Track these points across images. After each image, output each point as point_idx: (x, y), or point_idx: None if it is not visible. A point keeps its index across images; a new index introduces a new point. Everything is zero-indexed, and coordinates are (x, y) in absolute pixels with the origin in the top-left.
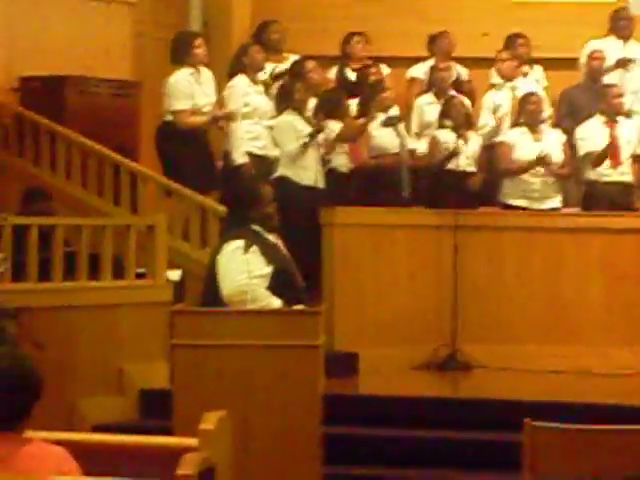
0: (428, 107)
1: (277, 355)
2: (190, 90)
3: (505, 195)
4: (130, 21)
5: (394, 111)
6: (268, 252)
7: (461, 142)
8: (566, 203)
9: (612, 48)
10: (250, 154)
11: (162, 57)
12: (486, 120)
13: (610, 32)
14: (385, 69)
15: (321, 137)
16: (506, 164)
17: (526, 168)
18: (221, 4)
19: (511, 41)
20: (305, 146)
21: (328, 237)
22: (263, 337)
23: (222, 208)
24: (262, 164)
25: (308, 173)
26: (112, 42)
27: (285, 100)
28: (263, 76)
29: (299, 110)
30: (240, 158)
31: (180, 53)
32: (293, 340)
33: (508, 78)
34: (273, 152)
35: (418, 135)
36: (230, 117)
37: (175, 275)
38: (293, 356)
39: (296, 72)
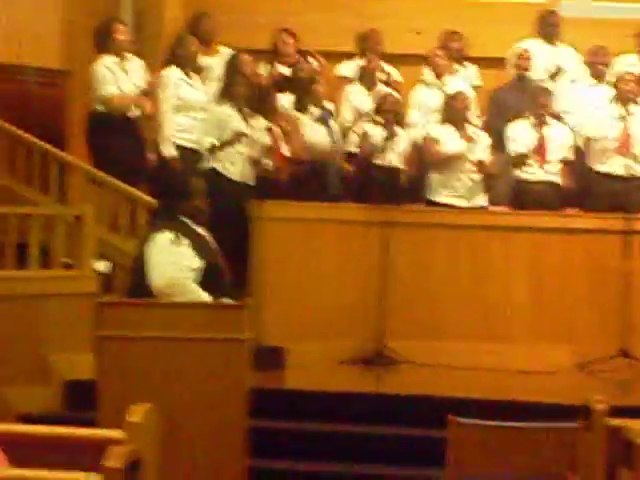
0: (358, 96)
1: (203, 348)
2: (114, 76)
3: (432, 192)
4: (61, 8)
5: (327, 106)
6: (198, 246)
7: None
8: (495, 201)
9: (540, 50)
10: (180, 147)
11: (92, 46)
12: (414, 117)
13: (537, 34)
14: (315, 63)
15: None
16: (430, 156)
17: (449, 158)
18: None
19: (446, 38)
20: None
21: (257, 231)
22: (189, 330)
23: (151, 199)
24: (192, 157)
25: (236, 167)
26: (42, 29)
27: (225, 94)
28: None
29: (238, 105)
30: (168, 150)
31: (102, 41)
32: (219, 334)
33: (440, 75)
34: (204, 145)
35: (348, 127)
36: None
37: (102, 266)
38: (219, 350)
39: (233, 65)
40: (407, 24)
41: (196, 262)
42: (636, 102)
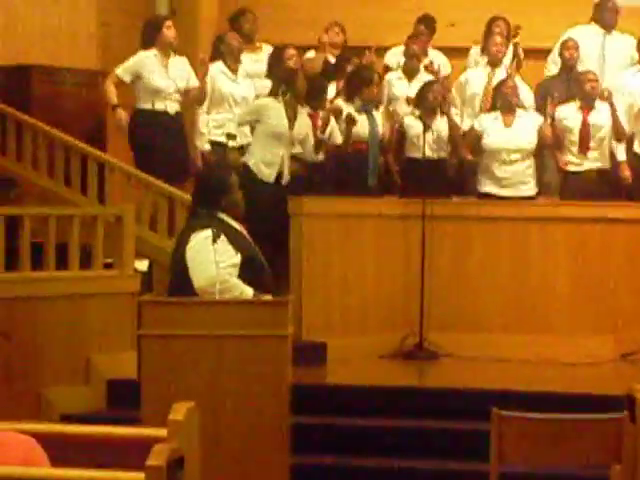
0: (397, 82)
1: (245, 345)
2: (140, 66)
3: (478, 182)
4: (96, 10)
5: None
6: (236, 240)
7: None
8: (543, 191)
9: (592, 37)
10: (214, 142)
11: (129, 46)
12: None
13: (593, 21)
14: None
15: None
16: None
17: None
18: None
19: (491, 25)
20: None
21: (296, 227)
22: (231, 327)
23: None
24: (226, 152)
25: (271, 169)
26: (78, 31)
27: (280, 90)
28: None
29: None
30: (202, 146)
31: (149, 36)
32: (261, 330)
33: (494, 63)
34: (243, 140)
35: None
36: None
37: (143, 265)
38: (261, 346)
39: (281, 60)
40: (442, 17)
41: (235, 257)
42: None
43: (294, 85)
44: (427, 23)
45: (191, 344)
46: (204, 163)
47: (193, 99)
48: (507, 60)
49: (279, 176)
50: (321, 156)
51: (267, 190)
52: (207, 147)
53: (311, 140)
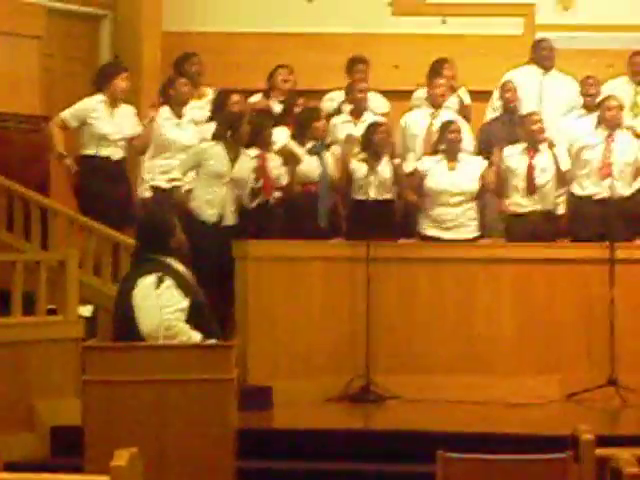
0: (342, 125)
1: (190, 390)
2: (86, 111)
3: (420, 225)
4: (38, 55)
5: (325, 140)
6: (183, 285)
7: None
8: (486, 233)
9: (531, 77)
10: (159, 188)
11: (71, 91)
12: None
13: (531, 61)
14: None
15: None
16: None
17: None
18: (131, 37)
19: (437, 67)
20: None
21: (241, 270)
22: (175, 372)
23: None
24: (169, 197)
25: (213, 210)
26: (20, 76)
27: (227, 132)
28: None
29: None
30: (142, 192)
31: (101, 81)
32: (206, 374)
33: (437, 105)
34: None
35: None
36: None
37: (87, 311)
38: (206, 391)
39: (220, 105)
40: (386, 60)
41: (183, 302)
42: (620, 127)
43: (238, 129)
44: (362, 62)
45: (136, 389)
46: (145, 208)
47: (136, 146)
48: (452, 103)
49: (221, 218)
50: (254, 204)
51: (210, 232)
52: (147, 194)
53: (248, 186)
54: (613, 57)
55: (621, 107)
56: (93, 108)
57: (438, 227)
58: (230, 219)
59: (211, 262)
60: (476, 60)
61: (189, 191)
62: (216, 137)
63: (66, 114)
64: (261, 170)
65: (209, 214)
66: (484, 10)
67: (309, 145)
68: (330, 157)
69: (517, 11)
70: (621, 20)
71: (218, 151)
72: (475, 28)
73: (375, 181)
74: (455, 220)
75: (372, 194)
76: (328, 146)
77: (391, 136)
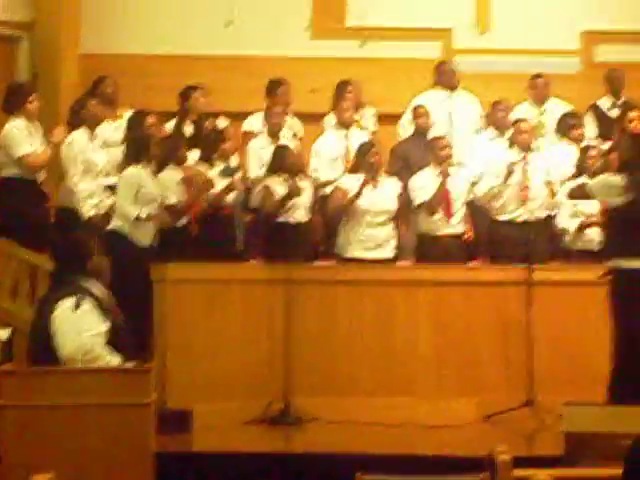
0: (262, 151)
1: (108, 414)
2: (29, 137)
3: (340, 247)
4: None
5: (233, 162)
6: (102, 307)
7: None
8: (401, 255)
9: (438, 100)
10: (66, 209)
11: None
12: (316, 165)
13: (436, 85)
14: (223, 121)
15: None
16: (339, 206)
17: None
18: (49, 59)
19: (342, 89)
20: (148, 218)
21: (159, 293)
22: (93, 396)
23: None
24: (91, 220)
25: (142, 231)
26: None
27: (138, 154)
28: None
29: (149, 165)
30: (88, 212)
31: (13, 104)
32: (124, 399)
33: (347, 125)
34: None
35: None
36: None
37: (4, 334)
38: (124, 415)
39: (136, 126)
40: (304, 83)
41: (102, 325)
42: (531, 149)
43: (148, 151)
44: (280, 85)
45: (53, 414)
46: (62, 229)
47: (28, 163)
48: (370, 124)
49: (150, 239)
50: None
51: (137, 253)
52: (92, 212)
53: (163, 204)
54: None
55: (532, 130)
56: (14, 131)
57: (360, 247)
58: (154, 240)
59: (134, 284)
60: (394, 83)
61: (108, 213)
62: (127, 159)
63: (24, 149)
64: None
65: (136, 237)
66: (402, 34)
67: (220, 168)
68: (240, 179)
69: (435, 35)
70: (537, 44)
71: (145, 174)
72: (393, 52)
73: (294, 202)
74: (376, 240)
75: (292, 216)
76: (238, 168)
77: (303, 158)
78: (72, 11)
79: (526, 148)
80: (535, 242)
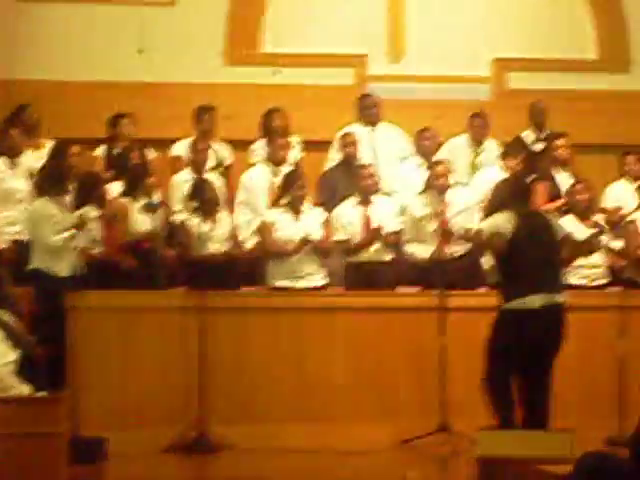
0: (186, 184)
1: (18, 444)
2: None
3: (268, 274)
4: None
5: (157, 196)
6: (11, 336)
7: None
8: (331, 281)
9: (362, 133)
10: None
11: None
12: (242, 197)
13: (358, 119)
14: (152, 153)
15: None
16: (269, 245)
17: (293, 251)
18: None
19: (269, 118)
20: (70, 239)
21: (72, 321)
22: (3, 426)
23: None
24: (20, 249)
25: (64, 263)
26: None
27: (51, 185)
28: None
29: (58, 197)
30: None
31: None
32: (34, 428)
33: (279, 163)
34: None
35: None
36: None
37: None
38: (35, 445)
39: (58, 156)
40: (220, 110)
41: (12, 354)
42: (449, 186)
43: (63, 184)
44: (209, 112)
45: None
46: None
47: None
48: (296, 152)
49: (70, 269)
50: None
51: (57, 284)
52: (9, 242)
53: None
54: (442, 108)
55: (449, 170)
56: None
57: (286, 276)
58: (73, 270)
59: (50, 314)
60: (309, 110)
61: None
62: (37, 190)
63: None
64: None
65: (56, 269)
66: (316, 61)
67: (143, 202)
68: (163, 212)
69: (349, 62)
70: (450, 71)
71: (52, 206)
72: (307, 78)
73: (214, 234)
74: (303, 269)
75: (212, 246)
76: (162, 203)
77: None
78: None
79: (442, 191)
80: (456, 273)
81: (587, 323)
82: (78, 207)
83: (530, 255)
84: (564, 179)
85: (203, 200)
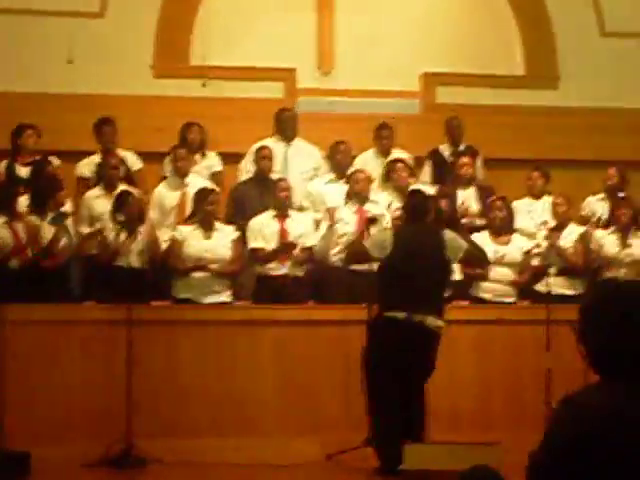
0: (96, 200)
1: None
2: None
3: (175, 289)
4: None
5: (66, 208)
6: None
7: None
8: (238, 295)
9: (277, 147)
10: None
11: None
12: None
13: (275, 132)
14: (55, 160)
15: None
16: (175, 261)
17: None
18: None
19: (185, 131)
20: None
21: None
22: None
23: None
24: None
25: None
26: None
27: None
28: None
29: None
30: None
31: None
32: None
33: (184, 173)
34: None
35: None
36: None
37: None
38: None
39: None
40: (148, 122)
41: None
42: (367, 199)
43: None
44: (105, 122)
45: None
46: None
47: None
48: (216, 164)
49: None
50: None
51: None
52: None
53: None
54: (372, 122)
55: (369, 179)
56: None
57: (194, 292)
58: None
59: None
60: (236, 123)
61: None
62: None
63: None
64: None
65: None
66: (245, 74)
67: (49, 217)
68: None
69: (278, 75)
70: (379, 86)
71: None
72: (237, 92)
73: (134, 248)
74: (211, 286)
75: (131, 261)
76: (67, 215)
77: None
78: None
79: (363, 199)
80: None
81: (514, 337)
82: None
83: (403, 271)
84: (469, 195)
85: (128, 213)
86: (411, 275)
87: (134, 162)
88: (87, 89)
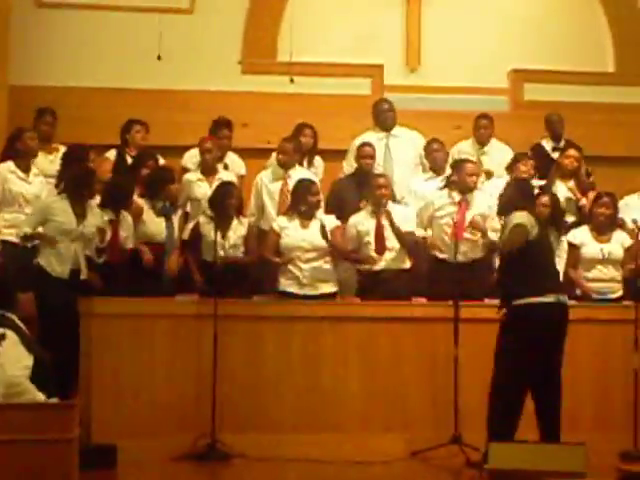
0: (196, 183)
1: (30, 450)
2: None
3: (278, 282)
4: None
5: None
6: (26, 341)
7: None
8: (342, 291)
9: (376, 140)
10: (6, 242)
11: None
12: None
13: (374, 125)
14: (160, 160)
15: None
16: (271, 253)
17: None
18: None
19: (298, 131)
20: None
21: (86, 327)
22: (16, 431)
23: None
24: (17, 252)
25: (64, 266)
26: None
27: (76, 190)
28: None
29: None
30: None
31: None
32: (46, 434)
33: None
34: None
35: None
36: None
37: None
38: (47, 451)
39: (80, 160)
40: (236, 118)
41: (28, 359)
42: (472, 189)
43: (86, 186)
44: (225, 124)
45: None
46: None
47: None
48: (319, 167)
49: (76, 273)
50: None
51: (61, 287)
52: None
53: (96, 242)
54: (460, 119)
55: (479, 172)
56: None
57: (295, 283)
58: (85, 274)
59: (60, 319)
60: (325, 120)
61: (36, 247)
62: (63, 192)
63: None
64: (110, 233)
65: (60, 270)
66: (333, 70)
67: (159, 206)
68: (177, 219)
69: (365, 72)
70: (466, 82)
71: (63, 207)
72: (324, 88)
73: (225, 242)
74: (311, 277)
75: (223, 253)
76: (177, 208)
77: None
78: (0, 42)
79: (467, 190)
80: (470, 282)
81: (602, 336)
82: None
83: (545, 256)
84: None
85: (224, 206)
86: (550, 260)
87: (240, 167)
88: (177, 85)
